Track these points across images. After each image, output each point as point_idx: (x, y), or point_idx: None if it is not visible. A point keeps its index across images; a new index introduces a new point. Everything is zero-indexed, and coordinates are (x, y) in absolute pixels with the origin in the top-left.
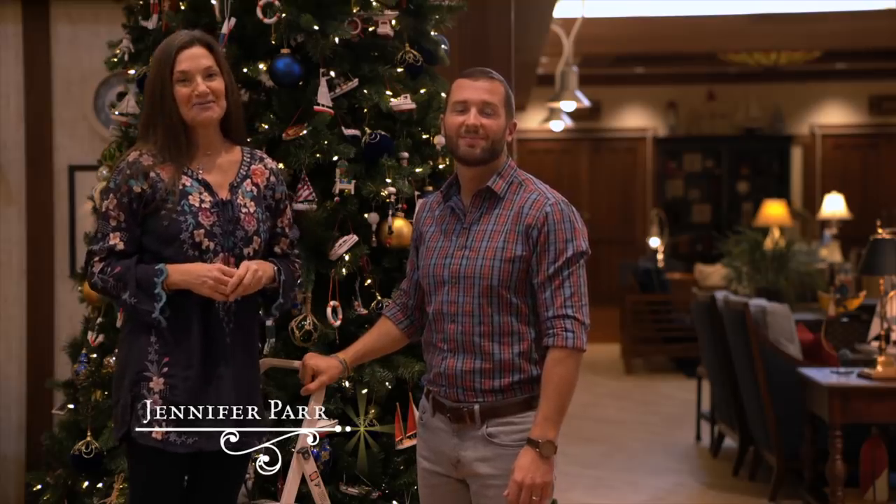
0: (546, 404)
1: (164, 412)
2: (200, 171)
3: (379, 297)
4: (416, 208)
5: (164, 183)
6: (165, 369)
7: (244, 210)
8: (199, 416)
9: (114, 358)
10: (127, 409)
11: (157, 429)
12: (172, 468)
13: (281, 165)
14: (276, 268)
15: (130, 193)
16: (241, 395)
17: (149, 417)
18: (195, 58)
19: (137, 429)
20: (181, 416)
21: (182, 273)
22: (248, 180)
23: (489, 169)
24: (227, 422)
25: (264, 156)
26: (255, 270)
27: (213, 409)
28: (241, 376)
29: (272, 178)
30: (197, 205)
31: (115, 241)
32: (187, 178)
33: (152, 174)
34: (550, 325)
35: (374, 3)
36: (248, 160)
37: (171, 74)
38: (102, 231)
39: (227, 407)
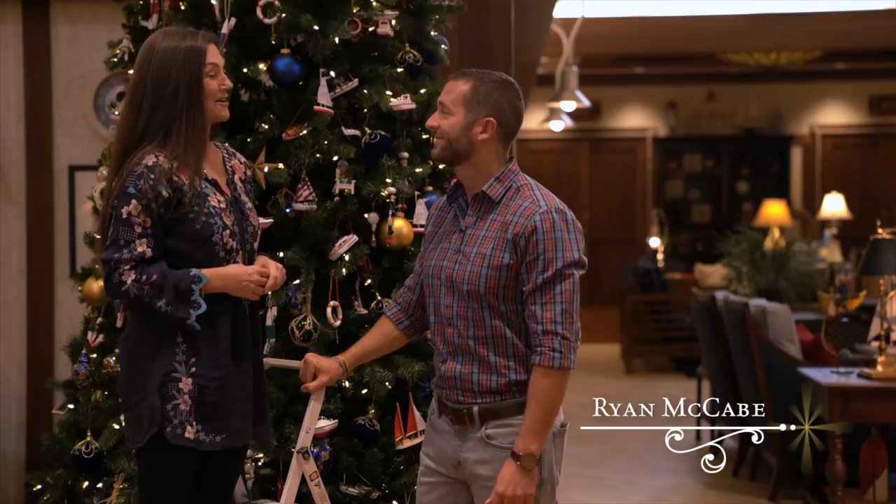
0: (529, 417)
1: (192, 412)
2: (207, 171)
3: (379, 297)
4: (432, 206)
5: (187, 186)
6: (193, 369)
7: (247, 206)
8: (229, 412)
9: (114, 358)
10: (157, 410)
11: (189, 428)
12: (191, 467)
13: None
14: None
15: (159, 199)
16: (258, 390)
17: (180, 417)
18: (218, 53)
19: (168, 428)
20: (210, 415)
21: (223, 279)
22: (235, 175)
23: (474, 169)
24: (252, 417)
25: (234, 150)
26: (282, 268)
27: (239, 405)
28: (259, 371)
29: (248, 172)
30: (217, 205)
31: (143, 248)
32: (201, 179)
33: (175, 178)
34: (538, 341)
35: (374, 3)
36: (227, 156)
37: (203, 68)
38: (126, 238)
39: (249, 402)
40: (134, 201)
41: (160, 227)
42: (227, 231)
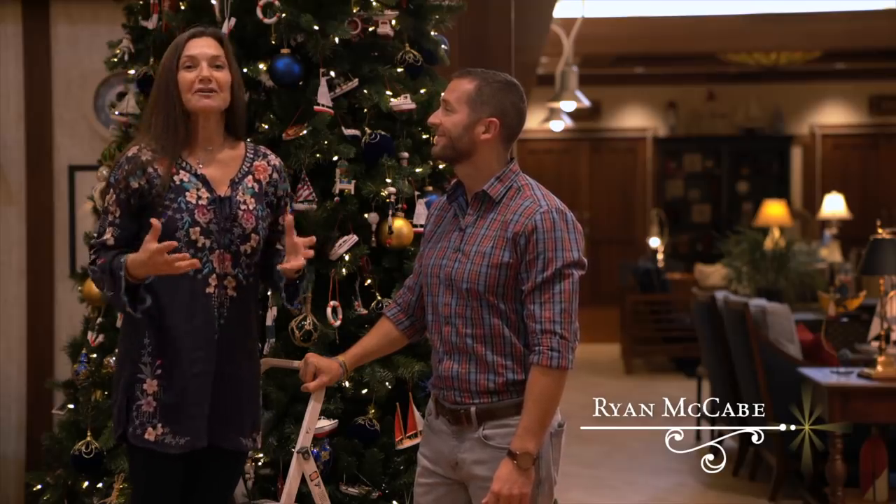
0: (527, 417)
1: (157, 413)
2: (200, 166)
3: (379, 297)
4: (432, 205)
5: (160, 178)
6: (159, 371)
7: (243, 207)
8: (190, 415)
9: (114, 358)
10: (122, 410)
11: (150, 430)
12: (169, 468)
13: None
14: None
15: (128, 189)
16: (235, 393)
17: (142, 418)
18: (203, 46)
19: (130, 429)
20: (174, 417)
21: (136, 265)
22: (250, 176)
23: (474, 169)
24: (222, 419)
25: (268, 152)
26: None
27: (200, 407)
28: (235, 374)
29: (275, 175)
30: (194, 201)
31: (108, 236)
32: (185, 173)
33: (150, 169)
34: (537, 340)
35: (374, 3)
36: (252, 156)
37: (178, 61)
38: (102, 225)
39: (222, 404)
40: (112, 191)
41: (130, 216)
42: (198, 228)
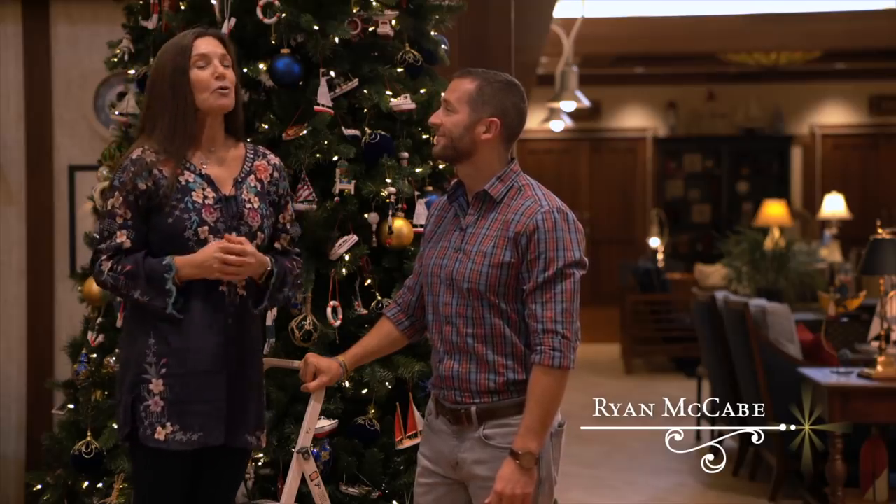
0: (529, 416)
1: (165, 412)
2: (204, 166)
3: (379, 297)
4: (433, 205)
5: (166, 179)
6: (164, 370)
7: (248, 206)
8: (201, 412)
9: (114, 358)
10: (128, 410)
11: (159, 429)
12: (176, 467)
13: None
14: (270, 268)
15: (136, 191)
16: (241, 391)
17: (150, 418)
18: (212, 45)
19: (140, 430)
20: (182, 414)
21: (192, 266)
22: (252, 175)
23: (475, 168)
24: (228, 416)
25: (267, 152)
26: (252, 257)
27: (214, 404)
28: (242, 372)
29: (275, 174)
30: (200, 201)
31: (122, 238)
32: (190, 173)
33: (155, 171)
34: (538, 340)
35: (374, 3)
36: (252, 156)
37: (188, 61)
38: (109, 229)
39: (228, 402)
40: (117, 193)
41: (141, 218)
42: (206, 227)
